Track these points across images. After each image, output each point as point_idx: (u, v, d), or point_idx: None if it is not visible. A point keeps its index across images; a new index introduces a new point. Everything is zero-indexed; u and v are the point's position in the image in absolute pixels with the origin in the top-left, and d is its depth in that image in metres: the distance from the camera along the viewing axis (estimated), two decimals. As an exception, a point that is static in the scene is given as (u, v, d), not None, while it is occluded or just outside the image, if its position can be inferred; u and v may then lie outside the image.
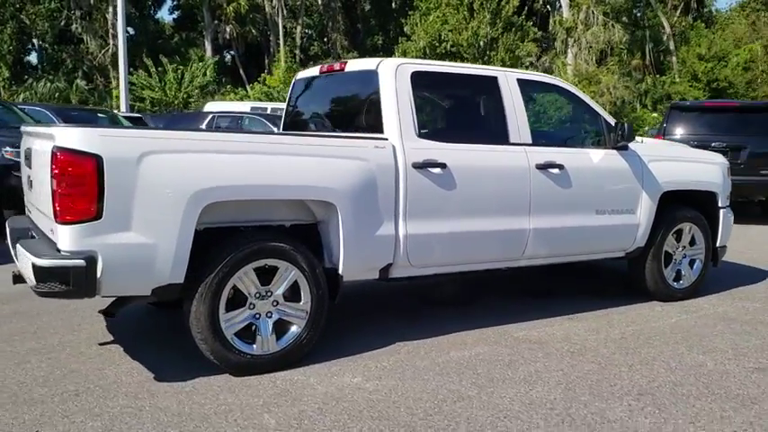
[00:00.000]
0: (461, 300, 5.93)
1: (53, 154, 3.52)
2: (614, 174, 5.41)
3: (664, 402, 3.74)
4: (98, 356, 4.36)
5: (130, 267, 3.66)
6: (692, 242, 5.99)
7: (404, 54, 34.01)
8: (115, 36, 34.49)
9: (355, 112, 5.13)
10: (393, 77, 4.55)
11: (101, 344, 4.61)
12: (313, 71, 5.53)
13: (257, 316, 4.08)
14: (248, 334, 4.08)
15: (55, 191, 3.53)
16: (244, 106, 19.80)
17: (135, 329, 4.93)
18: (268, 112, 18.58)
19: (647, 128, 28.83)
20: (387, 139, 4.44)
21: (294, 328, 4.18)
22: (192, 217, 3.75)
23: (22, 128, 4.84)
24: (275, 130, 15.61)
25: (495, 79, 5.01)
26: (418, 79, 4.64)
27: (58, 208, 3.53)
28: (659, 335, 4.96)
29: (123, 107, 21.97)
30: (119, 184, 3.57)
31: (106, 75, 36.35)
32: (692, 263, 6.03)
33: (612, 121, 5.47)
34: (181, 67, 30.17)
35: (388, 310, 5.62)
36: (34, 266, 3.55)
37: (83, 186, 3.52)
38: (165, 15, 62.03)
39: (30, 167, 4.19)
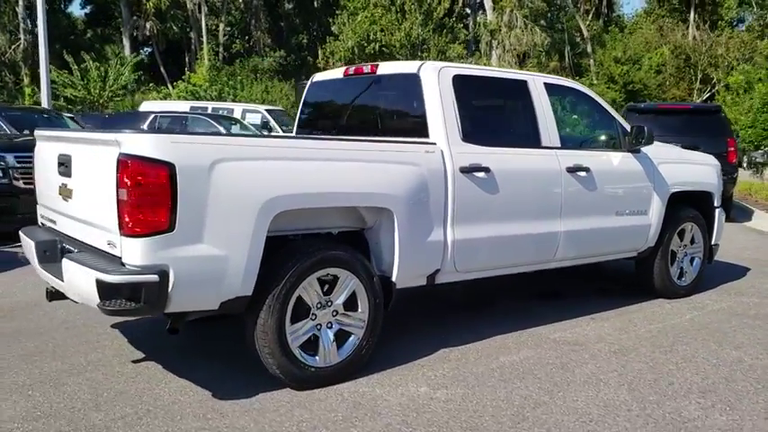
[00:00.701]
0: (479, 303, 5.93)
1: (121, 162, 3.28)
2: (631, 176, 5.56)
3: (729, 399, 3.86)
4: (139, 375, 4.10)
5: (202, 281, 3.46)
6: (692, 241, 6.23)
7: (331, 54, 33.92)
8: (26, 31, 32.84)
9: (390, 116, 5.05)
10: (436, 81, 4.49)
11: (134, 361, 4.34)
12: (334, 73, 5.40)
13: (319, 327, 3.95)
14: (309, 346, 3.94)
15: (123, 201, 3.29)
16: (183, 105, 19.15)
17: (160, 344, 4.66)
18: (209, 111, 18.04)
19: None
20: (435, 144, 4.38)
21: (353, 338, 4.07)
22: (264, 226, 3.58)
23: (39, 132, 4.50)
24: (221, 129, 15.23)
25: (525, 83, 5.05)
26: (458, 82, 4.60)
27: (127, 220, 3.29)
28: (683, 332, 5.12)
29: (45, 105, 20.79)
30: (191, 194, 3.36)
31: (17, 72, 34.39)
32: (691, 260, 6.26)
33: (627, 125, 5.61)
34: (99, 64, 28.81)
35: (417, 315, 5.54)
36: (101, 283, 3.30)
37: (156, 197, 3.29)
38: (77, 10, 59.24)
39: (67, 176, 3.88)
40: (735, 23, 45.62)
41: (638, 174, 5.58)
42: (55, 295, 4.06)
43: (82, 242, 3.82)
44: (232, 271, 3.52)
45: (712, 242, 6.41)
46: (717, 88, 36.51)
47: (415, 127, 4.56)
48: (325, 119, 5.57)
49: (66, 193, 3.93)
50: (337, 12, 34.05)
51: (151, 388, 3.90)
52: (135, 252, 3.32)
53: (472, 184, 4.48)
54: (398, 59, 29.58)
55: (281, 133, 15.50)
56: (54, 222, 4.24)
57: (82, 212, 3.78)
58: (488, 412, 3.64)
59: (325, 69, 33.49)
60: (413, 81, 4.57)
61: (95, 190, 3.59)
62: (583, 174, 5.12)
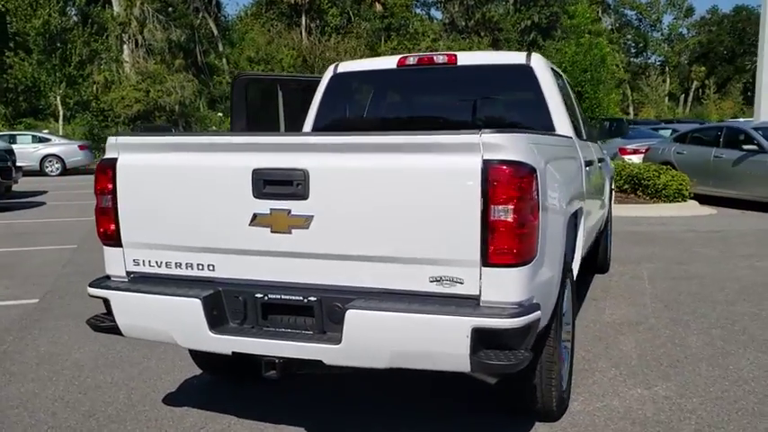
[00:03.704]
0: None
1: (497, 171, 2.46)
2: (604, 165, 6.01)
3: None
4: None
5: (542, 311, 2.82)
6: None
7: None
8: None
9: (486, 110, 4.60)
10: (549, 72, 4.29)
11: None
12: (377, 63, 4.66)
13: (554, 347, 3.50)
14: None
15: (499, 223, 2.48)
16: None
17: (263, 406, 3.57)
18: None
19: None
20: (570, 138, 4.19)
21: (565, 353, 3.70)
22: (565, 234, 3.07)
23: (139, 139, 3.02)
24: None
25: (562, 77, 5.11)
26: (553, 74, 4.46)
27: (503, 246, 2.50)
28: (684, 299, 5.73)
29: None
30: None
31: None
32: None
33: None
34: None
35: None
36: (483, 332, 2.46)
37: (532, 214, 2.58)
38: None
39: (295, 197, 2.68)
40: (341, 30, 50.27)
41: (605, 163, 6.08)
42: (289, 366, 2.81)
43: (329, 287, 2.73)
44: (553, 294, 2.95)
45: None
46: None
47: (528, 121, 4.29)
48: (364, 115, 4.77)
49: (284, 222, 2.73)
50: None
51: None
52: (511, 286, 2.54)
53: (587, 178, 4.41)
54: (34, 50, 25.76)
55: None
56: (211, 268, 2.92)
57: (344, 246, 2.69)
58: (743, 396, 3.65)
59: None
60: (522, 73, 4.27)
61: (396, 212, 2.60)
62: (599, 164, 5.39)
